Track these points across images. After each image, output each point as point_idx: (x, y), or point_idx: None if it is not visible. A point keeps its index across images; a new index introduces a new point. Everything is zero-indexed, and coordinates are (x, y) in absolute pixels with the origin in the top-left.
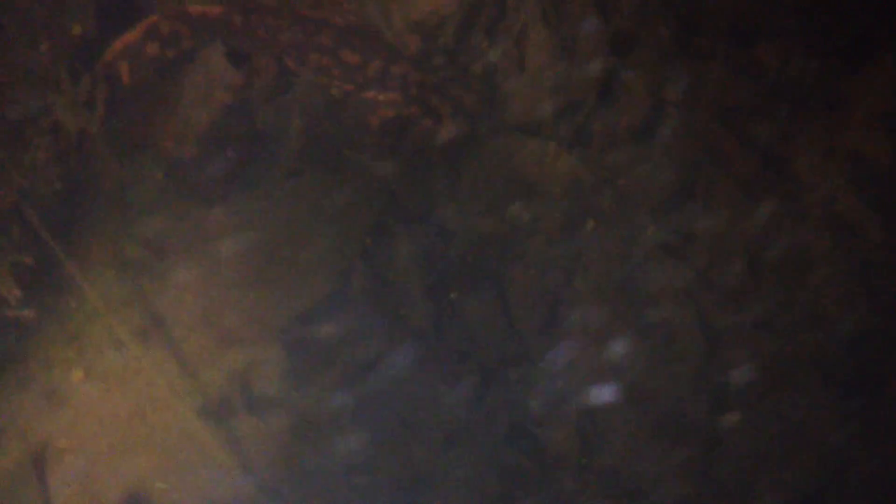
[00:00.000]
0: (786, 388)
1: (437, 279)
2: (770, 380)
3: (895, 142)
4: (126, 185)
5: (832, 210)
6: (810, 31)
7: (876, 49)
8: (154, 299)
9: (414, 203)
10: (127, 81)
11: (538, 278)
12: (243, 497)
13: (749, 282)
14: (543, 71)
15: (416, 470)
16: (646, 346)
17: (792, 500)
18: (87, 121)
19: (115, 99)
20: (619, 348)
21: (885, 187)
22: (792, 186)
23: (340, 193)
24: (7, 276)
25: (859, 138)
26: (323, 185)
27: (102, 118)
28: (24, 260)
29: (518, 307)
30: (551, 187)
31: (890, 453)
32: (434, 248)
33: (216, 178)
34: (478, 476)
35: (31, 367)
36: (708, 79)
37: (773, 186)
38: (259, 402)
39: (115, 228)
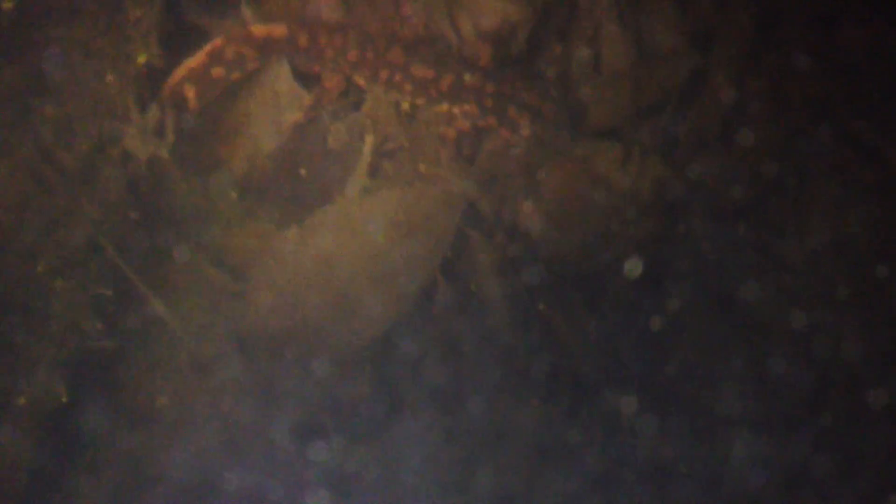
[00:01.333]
0: None
1: (522, 290)
2: None
3: None
4: (200, 209)
5: None
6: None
7: None
8: (234, 322)
9: (495, 213)
10: (194, 106)
11: (630, 289)
12: None
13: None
14: (621, 73)
15: (510, 488)
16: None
17: None
18: (157, 147)
19: (184, 124)
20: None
21: None
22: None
23: (417, 208)
24: (88, 310)
25: None
26: (399, 201)
27: (172, 144)
28: (105, 292)
29: (609, 318)
30: (638, 193)
31: None
32: (518, 259)
33: (290, 197)
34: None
35: (119, 394)
36: (792, 70)
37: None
38: (346, 423)
39: (192, 253)
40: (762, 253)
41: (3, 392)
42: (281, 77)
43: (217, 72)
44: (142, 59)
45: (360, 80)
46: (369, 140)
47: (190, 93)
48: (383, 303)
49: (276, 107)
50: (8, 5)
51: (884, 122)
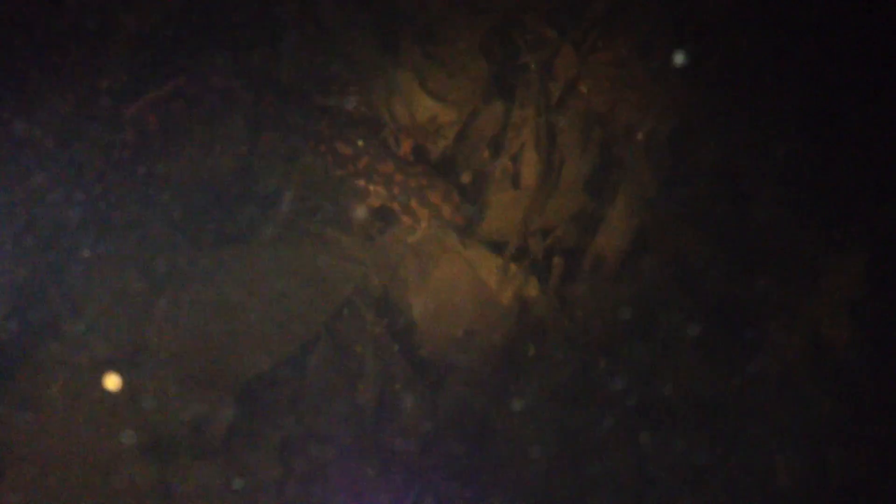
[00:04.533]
0: None
1: (387, 372)
2: None
3: None
4: (144, 221)
5: None
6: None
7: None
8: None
9: (383, 288)
10: (153, 129)
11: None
12: None
13: None
14: (529, 193)
15: None
16: None
17: None
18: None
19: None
20: None
21: None
22: None
23: (315, 266)
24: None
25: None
26: (304, 255)
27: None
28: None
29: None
30: (507, 305)
31: None
32: (399, 341)
33: (209, 227)
34: None
35: None
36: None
37: None
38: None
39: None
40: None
41: None
42: (234, 120)
43: (178, 106)
44: (103, 86)
45: (295, 140)
46: (289, 195)
47: (152, 120)
48: (265, 344)
49: (212, 141)
50: None
51: None
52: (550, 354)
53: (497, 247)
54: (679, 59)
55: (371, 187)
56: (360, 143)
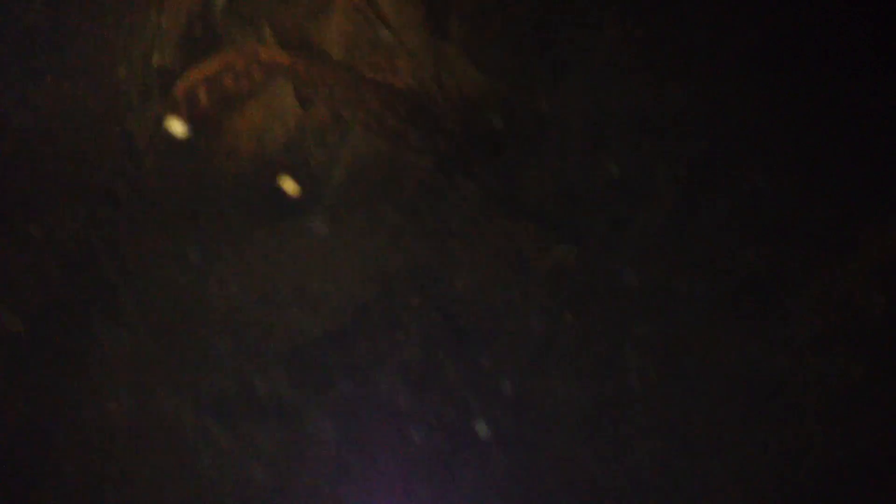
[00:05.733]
0: None
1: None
2: None
3: None
4: (190, 199)
5: None
6: None
7: None
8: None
9: (430, 266)
10: (205, 106)
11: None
12: None
13: None
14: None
15: None
16: None
17: None
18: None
19: (192, 119)
20: None
21: None
22: None
23: (369, 241)
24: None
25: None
26: (358, 230)
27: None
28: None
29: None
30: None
31: None
32: (442, 312)
33: (263, 203)
34: None
35: None
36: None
37: None
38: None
39: (172, 241)
40: None
41: None
42: (284, 94)
43: (228, 81)
44: (156, 61)
45: (347, 115)
46: (341, 171)
47: (202, 95)
48: (322, 314)
49: (280, 119)
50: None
51: None
52: (587, 324)
53: (537, 217)
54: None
55: (420, 162)
56: (407, 117)
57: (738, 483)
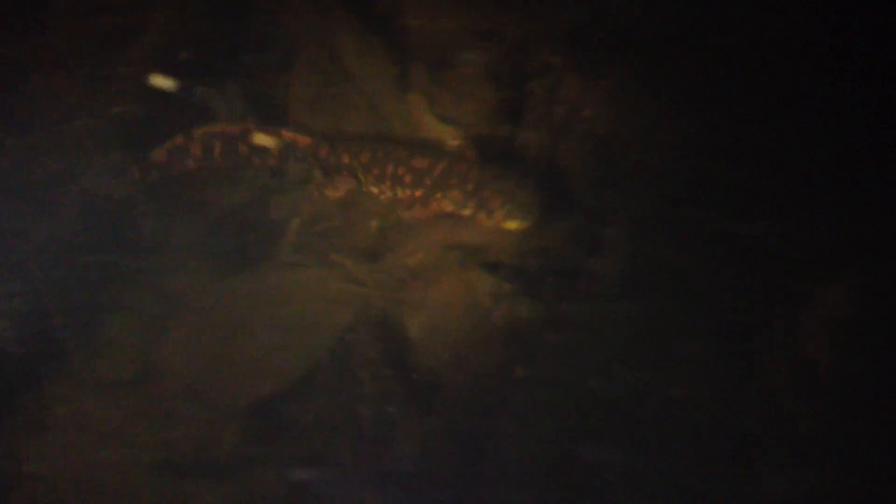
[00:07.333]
0: None
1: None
2: None
3: None
4: (162, 243)
5: None
6: None
7: None
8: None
9: (381, 313)
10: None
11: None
12: None
13: None
14: None
15: None
16: None
17: None
18: (114, 189)
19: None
20: None
21: None
22: None
23: (321, 289)
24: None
25: None
26: (311, 279)
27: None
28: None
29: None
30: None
31: None
32: (394, 364)
33: (222, 253)
34: None
35: None
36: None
37: None
38: None
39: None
40: None
41: None
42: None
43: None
44: (115, 111)
45: (372, 187)
46: (296, 221)
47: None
48: (271, 367)
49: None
50: None
51: None
52: (541, 375)
53: (493, 267)
54: (684, 83)
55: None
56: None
57: None
